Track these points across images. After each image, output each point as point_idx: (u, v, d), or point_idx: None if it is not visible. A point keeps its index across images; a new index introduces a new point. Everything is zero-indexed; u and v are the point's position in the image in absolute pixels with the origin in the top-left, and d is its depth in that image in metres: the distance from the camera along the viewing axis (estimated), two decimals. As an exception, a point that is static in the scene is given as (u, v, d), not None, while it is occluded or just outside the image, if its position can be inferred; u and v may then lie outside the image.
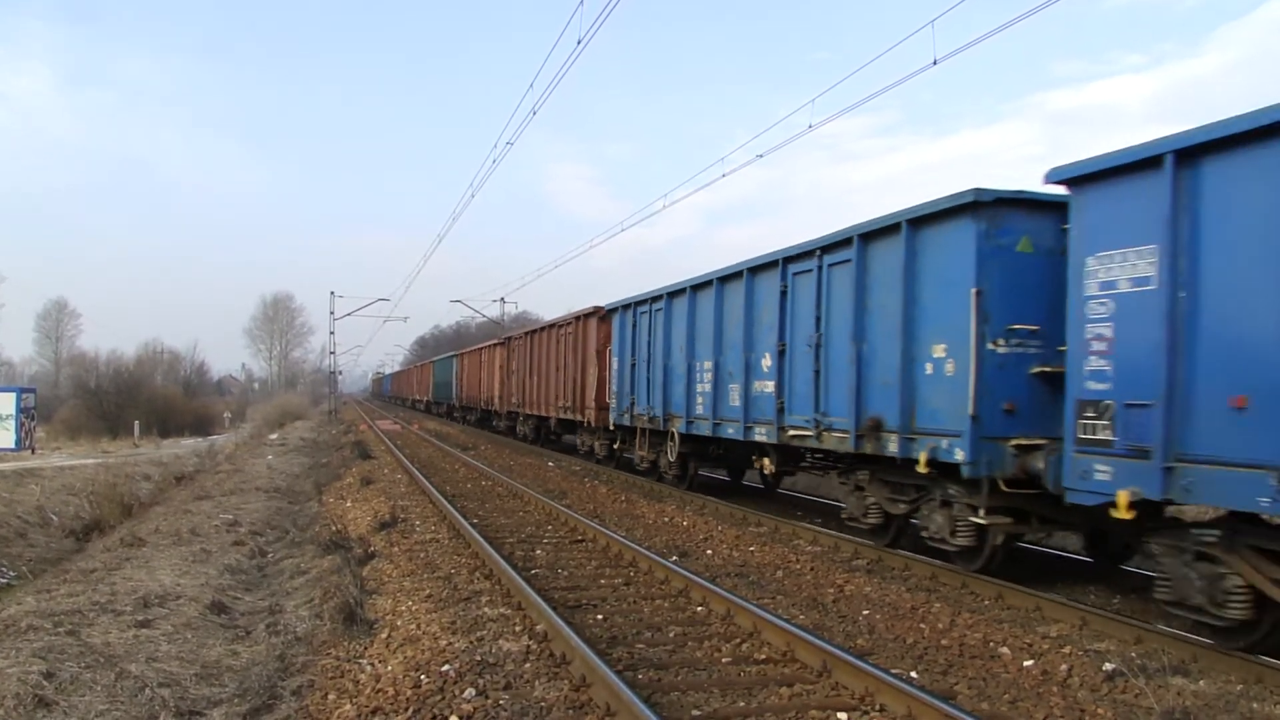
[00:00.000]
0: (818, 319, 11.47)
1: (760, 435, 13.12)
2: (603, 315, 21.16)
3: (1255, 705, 5.93)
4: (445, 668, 6.42)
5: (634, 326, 18.51)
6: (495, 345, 36.20)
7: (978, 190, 8.72)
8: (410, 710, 5.66)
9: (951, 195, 9.02)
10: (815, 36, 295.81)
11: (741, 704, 5.84)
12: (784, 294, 12.31)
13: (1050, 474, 8.16)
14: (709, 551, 11.30)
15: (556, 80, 27.64)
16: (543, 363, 26.73)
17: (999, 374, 8.76)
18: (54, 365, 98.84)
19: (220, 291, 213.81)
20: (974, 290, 8.74)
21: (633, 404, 18.39)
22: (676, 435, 16.34)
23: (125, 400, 52.70)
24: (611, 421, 19.94)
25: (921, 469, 9.42)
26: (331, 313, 57.37)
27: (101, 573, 10.26)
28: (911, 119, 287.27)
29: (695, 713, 5.69)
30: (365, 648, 7.21)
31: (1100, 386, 7.40)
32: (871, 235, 10.47)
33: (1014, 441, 8.68)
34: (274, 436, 39.83)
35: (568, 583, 9.34)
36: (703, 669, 6.55)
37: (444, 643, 7.05)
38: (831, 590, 9.18)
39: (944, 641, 7.33)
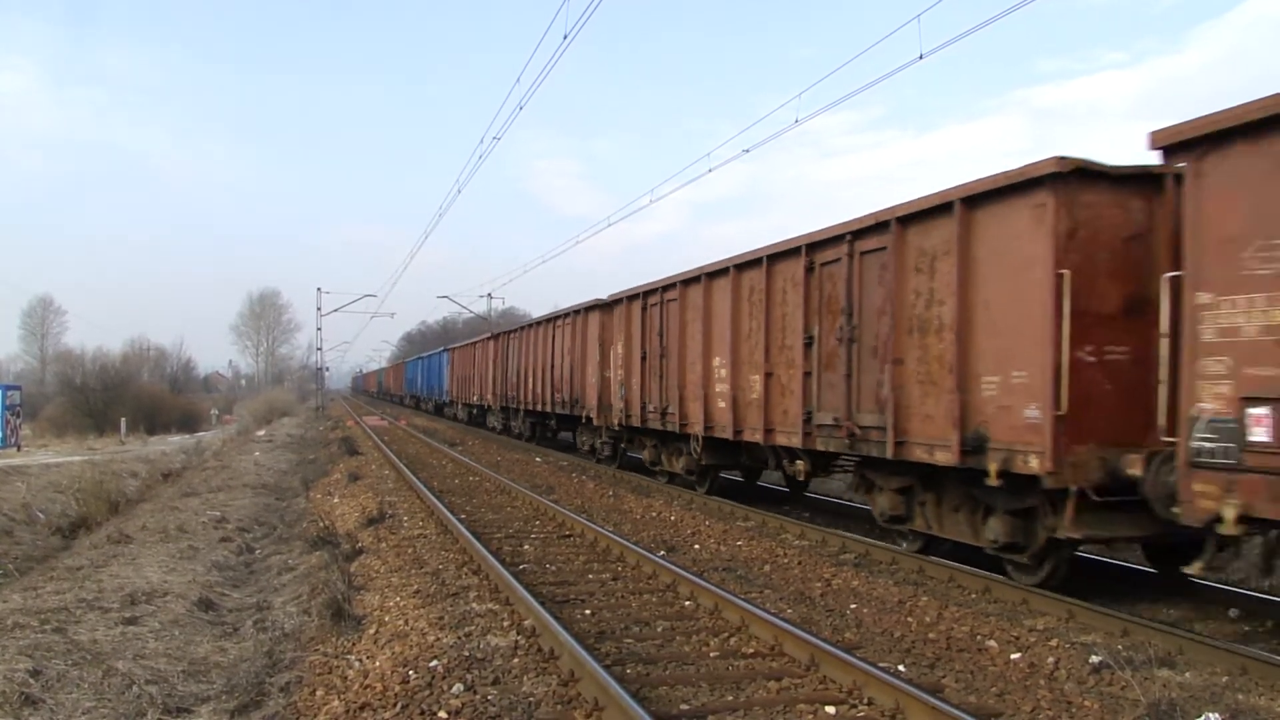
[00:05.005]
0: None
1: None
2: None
3: (1240, 696, 5.97)
4: (433, 663, 6.42)
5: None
6: (392, 366, 76.30)
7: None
8: (398, 706, 5.65)
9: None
10: (802, 32, 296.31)
11: (730, 698, 5.85)
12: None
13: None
14: (696, 546, 11.32)
15: (543, 75, 27.62)
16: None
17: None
18: (40, 362, 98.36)
19: (207, 288, 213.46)
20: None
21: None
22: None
23: (112, 397, 52.52)
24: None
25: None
26: (318, 309, 57.39)
27: (88, 570, 10.20)
28: (896, 114, 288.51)
29: (684, 706, 5.70)
30: (353, 644, 7.20)
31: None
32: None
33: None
34: (261, 433, 39.63)
35: (556, 578, 9.35)
36: (691, 663, 6.57)
37: (432, 638, 7.04)
38: (819, 584, 9.21)
39: (931, 635, 7.36)
